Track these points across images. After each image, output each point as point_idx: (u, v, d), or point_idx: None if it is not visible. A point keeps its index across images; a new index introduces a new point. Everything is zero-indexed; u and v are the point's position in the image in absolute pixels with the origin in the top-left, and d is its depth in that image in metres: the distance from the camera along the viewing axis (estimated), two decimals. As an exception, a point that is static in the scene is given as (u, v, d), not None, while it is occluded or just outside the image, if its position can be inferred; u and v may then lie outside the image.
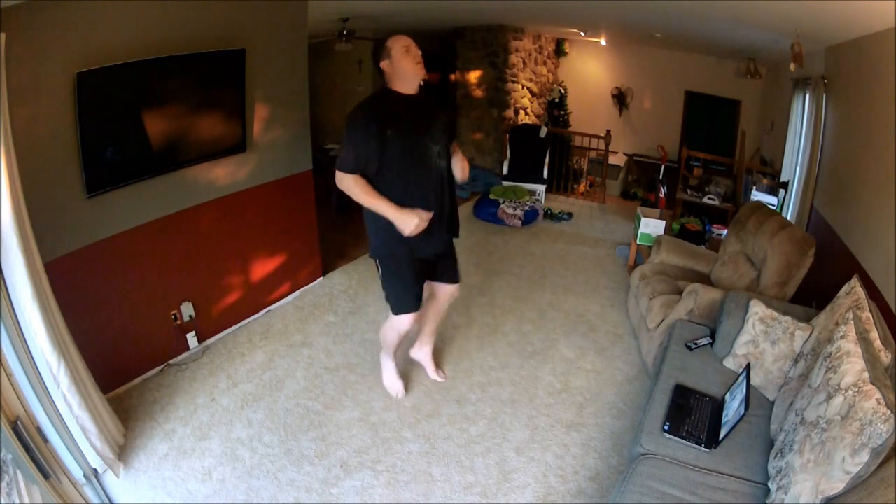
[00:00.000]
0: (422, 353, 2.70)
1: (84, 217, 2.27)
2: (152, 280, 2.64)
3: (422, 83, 2.11)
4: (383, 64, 2.03)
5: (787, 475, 1.53)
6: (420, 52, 2.04)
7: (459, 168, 2.24)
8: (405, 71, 2.02)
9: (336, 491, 2.09)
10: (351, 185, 2.00)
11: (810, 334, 2.04)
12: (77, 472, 1.96)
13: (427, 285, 2.41)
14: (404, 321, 2.30)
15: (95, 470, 2.05)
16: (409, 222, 2.00)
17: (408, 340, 2.58)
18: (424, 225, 2.03)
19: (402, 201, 2.03)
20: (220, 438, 2.32)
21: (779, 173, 4.49)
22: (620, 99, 7.15)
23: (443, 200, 2.17)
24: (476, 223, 5.04)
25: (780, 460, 1.63)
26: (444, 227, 2.22)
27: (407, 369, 2.79)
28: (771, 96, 5.45)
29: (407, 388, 2.65)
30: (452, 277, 2.42)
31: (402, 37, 2.04)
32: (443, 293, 2.47)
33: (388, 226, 2.09)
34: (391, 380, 2.61)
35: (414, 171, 2.05)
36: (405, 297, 2.26)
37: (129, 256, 2.51)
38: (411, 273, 2.22)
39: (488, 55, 5.94)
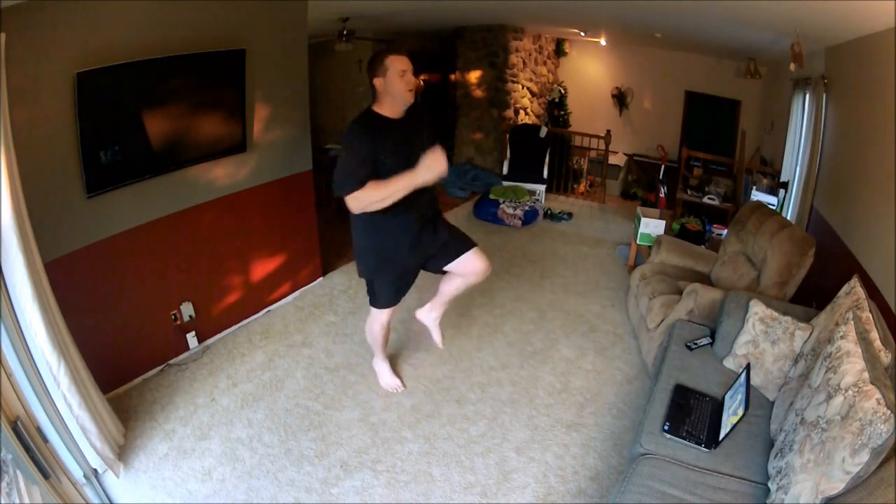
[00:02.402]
0: (430, 317, 2.64)
1: (84, 217, 2.26)
2: (152, 280, 2.64)
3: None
4: (376, 81, 2.02)
5: (787, 475, 1.53)
6: (414, 80, 2.04)
7: None
8: (396, 93, 2.01)
9: (336, 491, 2.09)
10: (363, 195, 1.96)
11: (810, 334, 2.04)
12: (77, 472, 1.96)
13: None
14: (384, 312, 2.39)
15: (95, 470, 2.05)
16: (431, 169, 1.95)
17: (415, 303, 2.63)
18: (442, 157, 1.96)
19: (397, 211, 2.06)
20: (220, 438, 2.32)
21: (779, 173, 4.49)
22: (620, 99, 7.15)
23: (432, 205, 2.25)
24: (476, 223, 5.04)
25: (780, 460, 1.63)
26: (431, 233, 2.25)
27: (406, 368, 2.79)
28: (771, 96, 5.45)
29: (407, 387, 2.66)
30: (462, 247, 2.31)
31: (401, 58, 2.00)
32: (467, 269, 2.34)
33: (375, 246, 2.19)
34: (387, 378, 2.66)
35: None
36: (388, 297, 2.35)
37: (129, 256, 2.51)
38: (396, 282, 2.32)
39: (488, 55, 5.94)
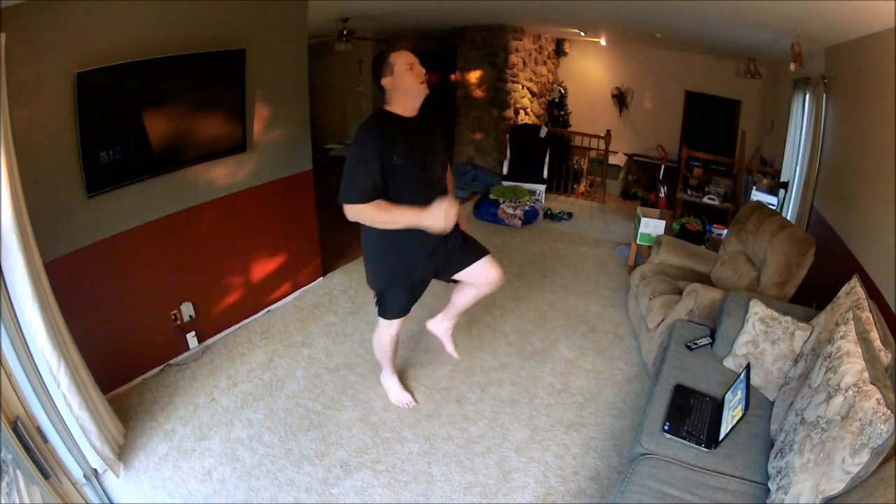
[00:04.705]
0: (442, 327, 2.60)
1: (84, 217, 2.26)
2: (152, 280, 2.64)
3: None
4: (385, 81, 1.94)
5: (787, 475, 1.53)
6: (424, 71, 1.96)
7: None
8: (408, 88, 1.93)
9: (336, 491, 2.09)
10: (368, 211, 1.89)
11: (810, 334, 2.04)
12: (77, 472, 1.96)
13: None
14: (395, 323, 2.29)
15: (95, 470, 2.05)
16: (438, 218, 1.89)
17: (426, 313, 2.59)
18: (454, 212, 1.92)
19: None
20: (220, 438, 2.32)
21: (779, 173, 4.49)
22: (620, 99, 7.15)
23: None
24: (476, 223, 5.03)
25: (780, 460, 1.63)
26: (444, 240, 2.15)
27: (406, 369, 2.79)
28: (771, 96, 5.45)
29: (407, 387, 2.65)
30: (474, 255, 2.22)
31: (406, 52, 1.94)
32: (479, 279, 2.26)
33: (386, 258, 2.11)
34: (397, 394, 2.57)
35: (424, 194, 1.99)
36: (400, 308, 2.26)
37: (129, 256, 2.51)
38: (410, 293, 2.24)
39: (488, 55, 5.94)
